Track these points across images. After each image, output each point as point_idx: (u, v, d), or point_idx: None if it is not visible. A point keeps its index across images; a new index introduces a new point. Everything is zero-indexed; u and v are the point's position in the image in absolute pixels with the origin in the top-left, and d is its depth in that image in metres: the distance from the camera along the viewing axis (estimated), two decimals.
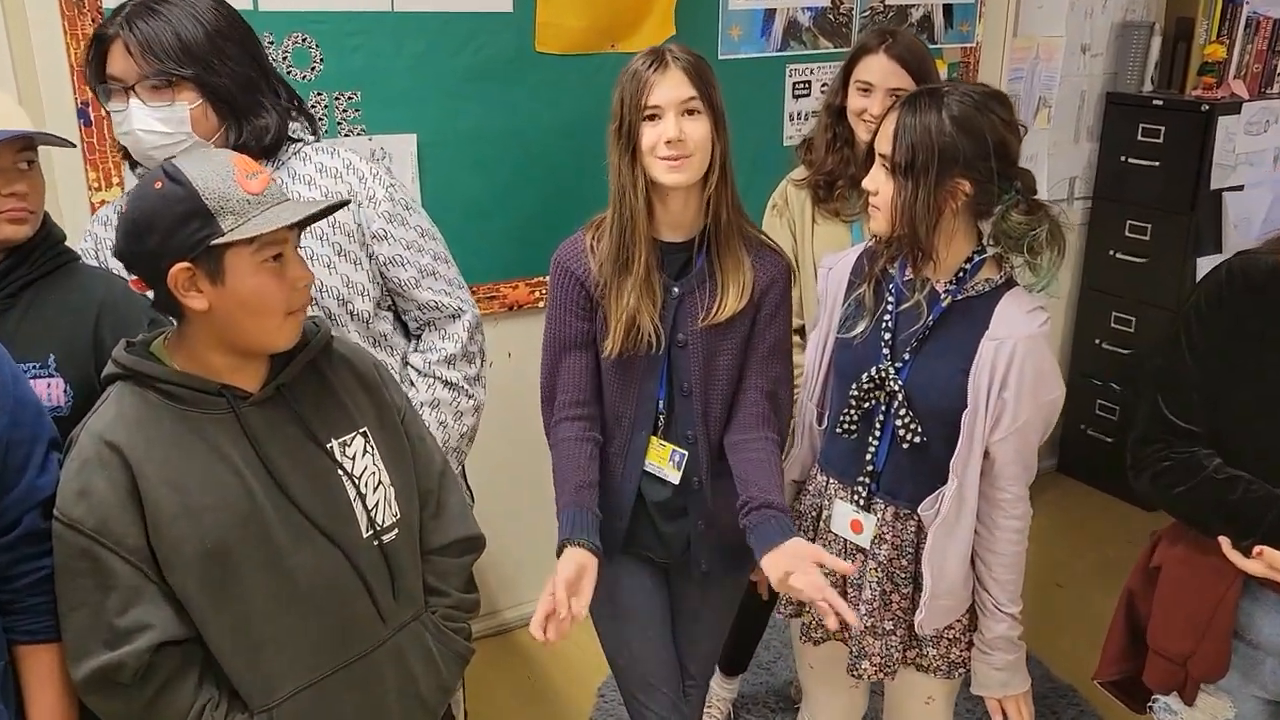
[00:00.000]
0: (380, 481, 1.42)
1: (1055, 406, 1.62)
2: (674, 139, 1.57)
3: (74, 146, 1.60)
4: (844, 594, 1.73)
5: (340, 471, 1.38)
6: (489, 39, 2.47)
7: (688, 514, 1.77)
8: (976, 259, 1.63)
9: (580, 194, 2.63)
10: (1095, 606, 2.87)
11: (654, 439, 1.74)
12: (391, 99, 2.40)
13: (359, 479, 1.39)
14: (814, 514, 1.79)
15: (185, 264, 1.25)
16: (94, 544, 1.24)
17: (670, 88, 1.59)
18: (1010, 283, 1.64)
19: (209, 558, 1.27)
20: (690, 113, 1.59)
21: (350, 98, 2.36)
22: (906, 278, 1.65)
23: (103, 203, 2.15)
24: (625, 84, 1.63)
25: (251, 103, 1.65)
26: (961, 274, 1.63)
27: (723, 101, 1.64)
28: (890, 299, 1.67)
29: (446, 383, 1.80)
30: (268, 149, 1.67)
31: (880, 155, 1.60)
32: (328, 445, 1.37)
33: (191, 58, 1.58)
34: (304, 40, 2.27)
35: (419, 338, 1.84)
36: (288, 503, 1.32)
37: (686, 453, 1.73)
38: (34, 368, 1.45)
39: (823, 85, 2.84)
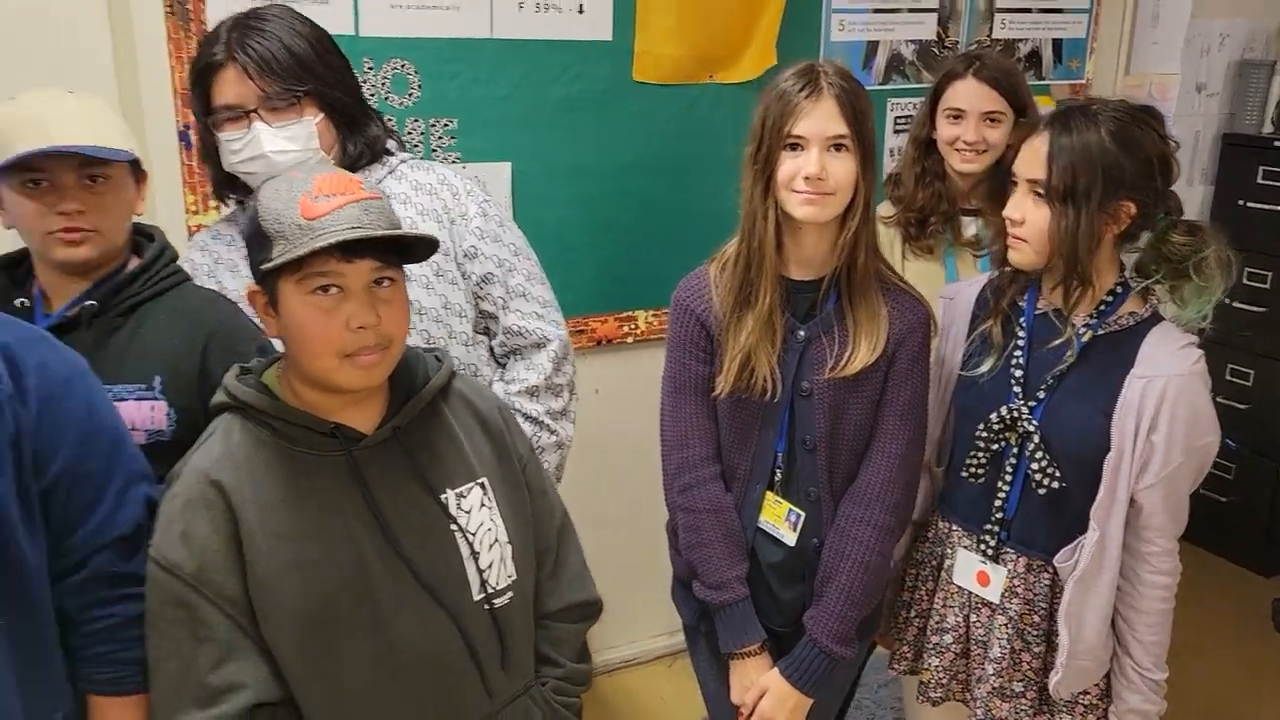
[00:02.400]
0: (496, 539, 1.30)
1: (1210, 452, 1.48)
2: (814, 175, 1.44)
3: (130, 160, 1.46)
4: (968, 651, 1.60)
5: (454, 526, 1.26)
6: (587, 68, 2.43)
7: (805, 579, 1.61)
8: (1121, 291, 1.51)
9: (674, 228, 2.58)
10: (1209, 675, 2.71)
11: (769, 494, 1.59)
12: (487, 127, 2.36)
13: (474, 535, 1.27)
14: (934, 563, 1.66)
15: (256, 288, 1.21)
16: (191, 592, 1.16)
17: (819, 119, 1.44)
18: (1156, 316, 1.51)
19: (310, 619, 1.17)
20: (838, 148, 1.45)
21: (446, 124, 2.32)
22: (1038, 311, 1.54)
23: (199, 226, 2.13)
24: (770, 103, 1.47)
25: (361, 113, 1.63)
26: (1104, 306, 1.50)
27: (874, 135, 1.51)
28: (1021, 334, 1.55)
29: (526, 416, 1.69)
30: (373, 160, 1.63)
31: (1028, 181, 1.48)
32: (442, 496, 1.26)
33: (308, 72, 1.56)
34: (403, 66, 2.25)
35: (504, 366, 1.76)
36: (398, 561, 1.21)
37: (804, 512, 1.58)
38: (139, 389, 1.40)
39: None
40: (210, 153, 1.63)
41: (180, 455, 1.37)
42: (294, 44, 1.55)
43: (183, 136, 2.14)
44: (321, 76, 1.57)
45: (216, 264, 1.67)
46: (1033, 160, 1.47)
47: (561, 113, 2.43)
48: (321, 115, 1.57)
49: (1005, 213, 1.51)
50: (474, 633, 1.26)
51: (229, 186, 1.67)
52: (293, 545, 1.17)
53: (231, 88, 1.54)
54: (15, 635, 1.12)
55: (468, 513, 1.28)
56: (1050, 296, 1.54)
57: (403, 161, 1.69)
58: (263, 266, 1.16)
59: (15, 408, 1.11)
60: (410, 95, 2.27)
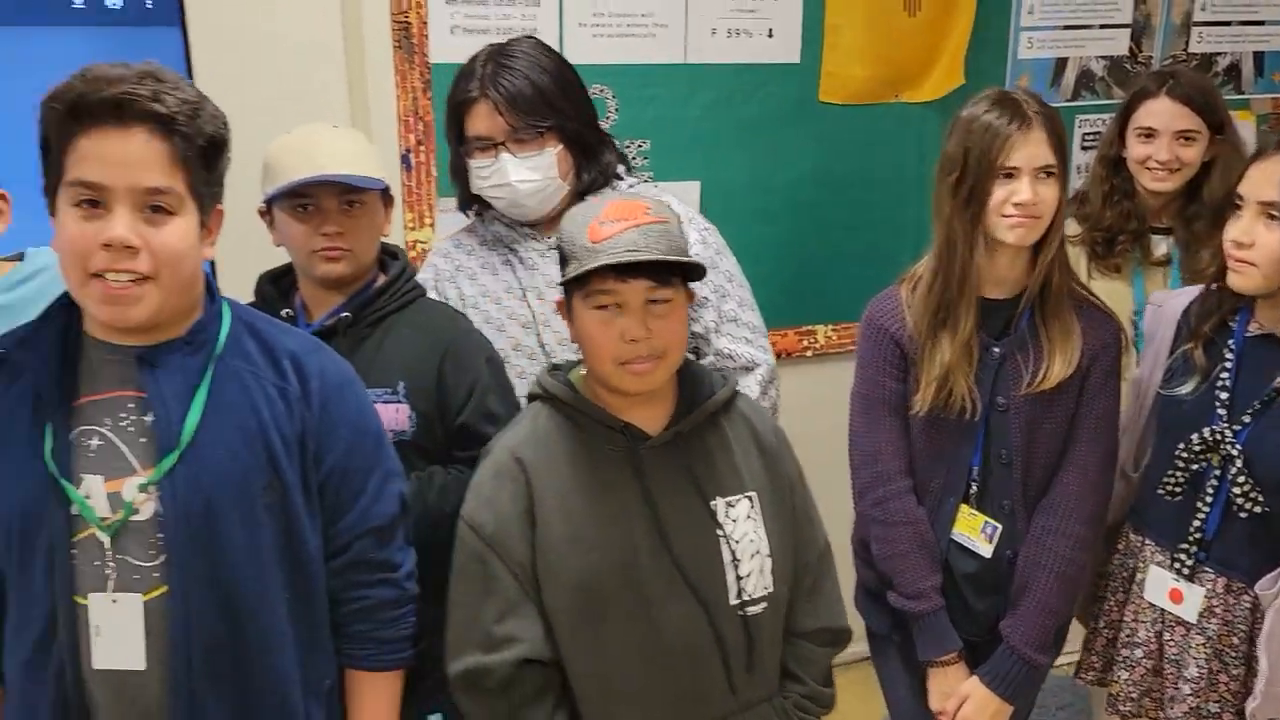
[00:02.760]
0: (758, 550, 1.38)
1: None
2: (1027, 202, 1.51)
3: (382, 188, 1.62)
4: (1159, 669, 1.61)
5: (720, 532, 1.35)
6: (775, 89, 2.51)
7: (998, 590, 1.66)
8: None
9: (853, 244, 2.64)
10: None
11: (964, 507, 1.65)
12: (679, 148, 2.48)
13: (737, 544, 1.36)
14: (1125, 575, 1.67)
15: (560, 299, 1.36)
16: (488, 550, 1.32)
17: (1030, 150, 1.51)
18: None
19: (582, 592, 1.30)
20: (1046, 174, 1.52)
21: (640, 146, 2.45)
22: (1250, 334, 1.53)
23: (416, 242, 2.33)
24: (975, 136, 1.53)
25: (597, 141, 1.75)
26: None
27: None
28: (1229, 356, 1.54)
29: None
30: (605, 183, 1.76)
31: (1260, 204, 1.47)
32: (712, 503, 1.35)
33: (551, 108, 1.69)
34: (602, 91, 2.38)
35: None
36: (665, 554, 1.32)
37: (1001, 525, 1.63)
38: (385, 393, 1.55)
39: None
40: (459, 172, 1.78)
41: (418, 454, 1.54)
42: (540, 80, 1.69)
43: (404, 159, 2.33)
44: (563, 111, 1.70)
45: (457, 271, 1.82)
46: (1264, 182, 1.46)
47: (749, 133, 2.52)
48: (561, 146, 1.70)
49: (1230, 236, 1.51)
50: (726, 633, 1.34)
51: (474, 201, 1.81)
52: (575, 523, 1.31)
53: (483, 121, 1.69)
54: (298, 608, 1.28)
55: (734, 521, 1.36)
56: (1264, 319, 1.53)
57: (630, 185, 1.81)
58: (558, 282, 1.34)
59: (301, 408, 1.27)
60: (608, 118, 2.40)
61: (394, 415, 1.56)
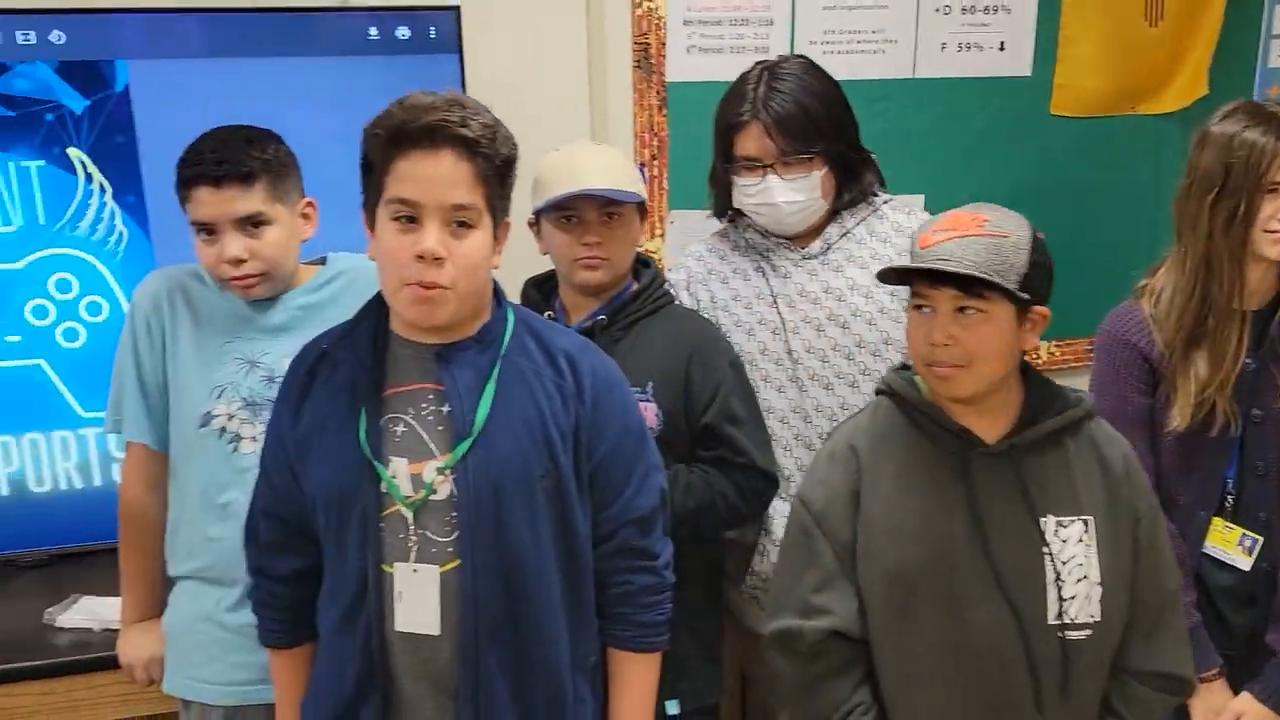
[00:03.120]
0: (1086, 576, 1.36)
1: None
2: None
3: (638, 201, 1.71)
4: None
5: (1045, 549, 1.36)
6: (1004, 102, 2.51)
7: (1255, 603, 1.64)
8: None
9: (1079, 259, 2.57)
10: None
11: (1217, 520, 1.63)
12: (905, 161, 2.48)
13: (1063, 564, 1.35)
14: None
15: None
16: (813, 525, 1.42)
17: None
18: None
19: (895, 579, 1.37)
20: None
21: None
22: None
23: (647, 251, 2.45)
24: (1237, 152, 1.53)
25: (858, 161, 1.81)
26: None
27: None
28: None
29: None
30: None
31: None
32: (1042, 519, 1.36)
33: (819, 132, 1.74)
34: None
35: None
36: (983, 557, 1.35)
37: (1260, 538, 1.61)
38: (635, 392, 1.64)
39: None
40: (721, 183, 1.85)
41: (664, 452, 1.62)
42: (809, 104, 1.74)
43: (639, 170, 2.47)
44: (830, 135, 1.76)
45: (709, 274, 1.89)
46: None
47: (976, 146, 2.52)
48: (826, 168, 1.77)
49: None
50: (1039, 650, 1.35)
51: (729, 207, 1.87)
52: (896, 512, 1.38)
53: (753, 143, 1.74)
54: (568, 587, 1.39)
55: (1063, 542, 1.36)
56: None
57: (885, 202, 1.86)
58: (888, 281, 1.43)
59: (575, 403, 1.38)
60: None
61: (643, 413, 1.66)
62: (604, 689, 1.47)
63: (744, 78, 1.78)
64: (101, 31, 1.93)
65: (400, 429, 1.35)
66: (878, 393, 1.47)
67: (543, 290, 1.80)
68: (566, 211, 1.66)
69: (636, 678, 1.46)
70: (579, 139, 1.76)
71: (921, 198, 2.53)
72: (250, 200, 1.56)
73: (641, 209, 1.73)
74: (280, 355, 1.62)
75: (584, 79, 2.41)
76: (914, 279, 1.35)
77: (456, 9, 2.06)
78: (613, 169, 1.69)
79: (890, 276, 1.38)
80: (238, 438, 1.63)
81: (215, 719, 1.68)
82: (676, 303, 1.81)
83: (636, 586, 1.44)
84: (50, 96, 1.91)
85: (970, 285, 1.30)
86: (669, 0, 2.39)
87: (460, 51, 2.07)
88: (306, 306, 1.67)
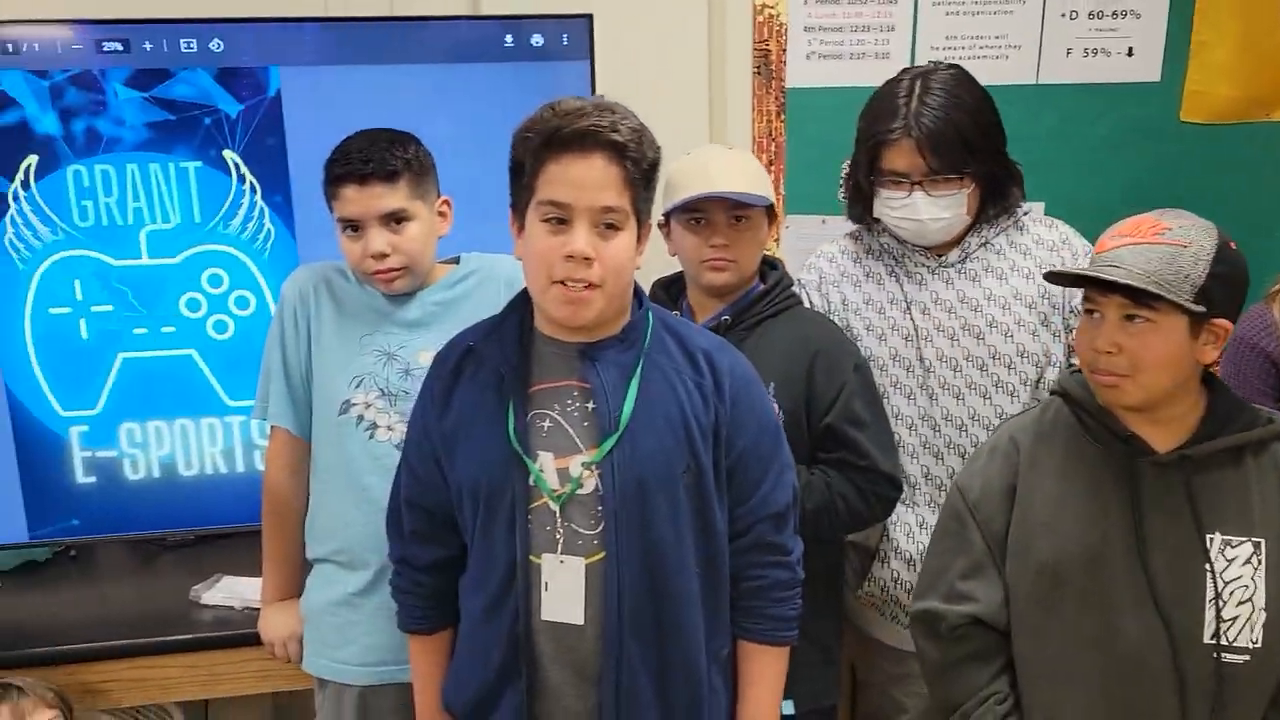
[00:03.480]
0: (1250, 600, 1.33)
1: None
2: None
3: (767, 205, 1.73)
4: None
5: (1207, 566, 1.33)
6: (1130, 109, 2.47)
7: None
8: None
9: None
10: None
11: None
12: (1024, 168, 2.46)
13: (1226, 584, 1.33)
14: None
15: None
16: (967, 513, 1.45)
17: None
18: None
19: (1043, 574, 1.38)
20: None
21: None
22: None
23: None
24: None
25: (1005, 176, 1.80)
26: None
27: None
28: None
29: None
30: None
31: None
32: (1208, 535, 1.34)
33: (971, 153, 1.72)
34: None
35: None
36: (1139, 565, 1.34)
37: None
38: None
39: None
40: (860, 189, 1.84)
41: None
42: (963, 123, 1.71)
43: None
44: (981, 154, 1.74)
45: (841, 276, 1.91)
46: None
47: (1098, 154, 2.48)
48: (974, 186, 1.76)
49: None
50: (1190, 668, 1.33)
51: (867, 214, 1.86)
52: (1051, 509, 1.39)
53: (903, 159, 1.73)
54: (706, 580, 1.42)
55: (1229, 561, 1.33)
56: None
57: (1026, 213, 1.85)
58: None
59: (715, 400, 1.41)
60: None
61: None
62: (734, 681, 1.50)
63: (894, 88, 1.76)
64: (257, 40, 2.03)
65: (547, 424, 1.39)
66: (1051, 393, 1.47)
67: (670, 292, 1.83)
68: (696, 213, 1.69)
69: (767, 670, 1.48)
70: (712, 144, 1.79)
71: (1041, 205, 2.50)
72: (394, 197, 1.64)
73: (770, 213, 1.75)
74: (416, 349, 1.70)
75: (704, 85, 2.45)
76: (1085, 284, 1.35)
77: (589, 17, 2.12)
78: (743, 173, 1.72)
79: (1062, 279, 1.38)
80: (374, 426, 1.70)
81: (350, 698, 1.76)
82: (803, 305, 1.82)
83: (770, 581, 1.46)
84: (208, 101, 2.02)
85: (1138, 294, 1.29)
86: (790, 7, 2.41)
87: (592, 58, 2.12)
88: (441, 303, 1.74)
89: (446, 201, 1.75)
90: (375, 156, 1.63)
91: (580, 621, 1.37)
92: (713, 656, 1.44)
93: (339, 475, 1.73)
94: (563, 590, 1.37)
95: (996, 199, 1.79)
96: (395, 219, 1.65)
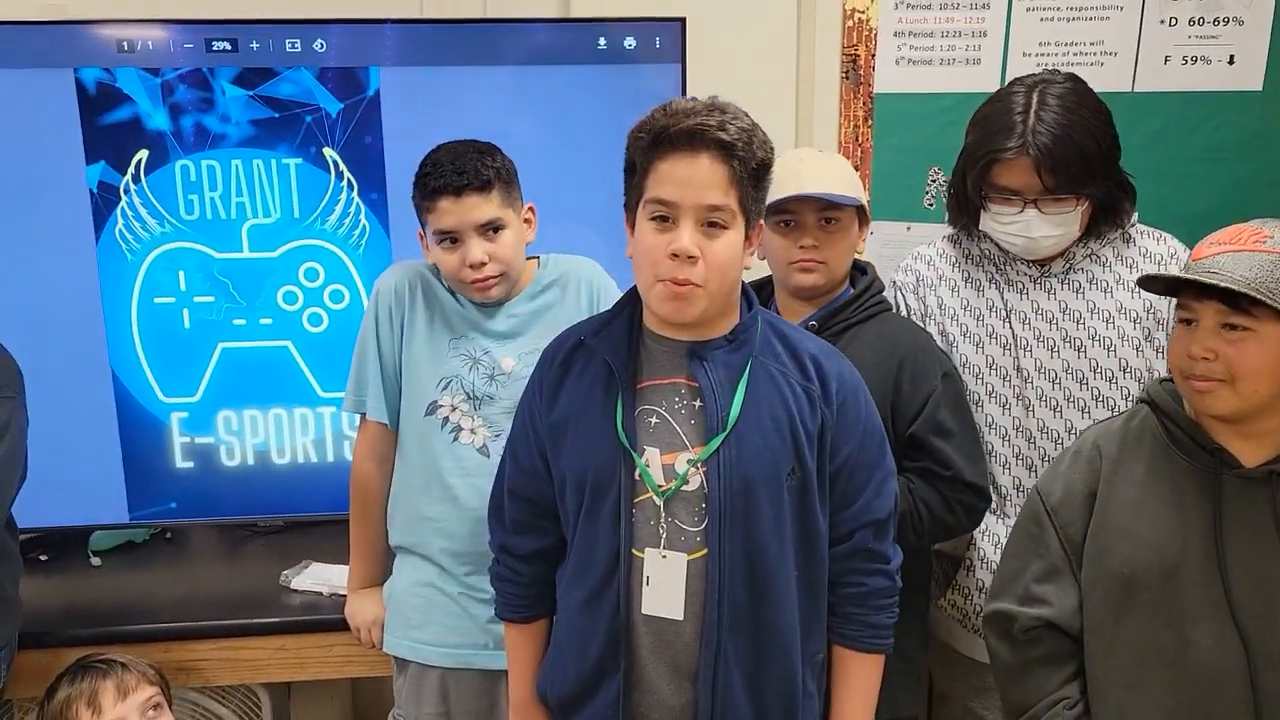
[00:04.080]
0: None
1: None
2: None
3: (857, 206, 1.72)
4: None
5: None
6: (1230, 118, 2.40)
7: None
8: None
9: None
10: None
11: None
12: None
13: None
14: None
15: None
16: (1045, 516, 1.45)
17: None
18: None
19: (1117, 581, 1.38)
20: None
21: None
22: None
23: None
24: None
25: (1119, 193, 1.76)
26: None
27: None
28: None
29: None
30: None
31: None
32: None
33: (1090, 174, 1.68)
34: None
35: None
36: (1217, 578, 1.33)
37: None
38: None
39: None
40: (963, 199, 1.80)
41: None
42: (1085, 143, 1.66)
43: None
44: (1099, 174, 1.70)
45: (939, 280, 1.89)
46: None
47: (1196, 164, 2.42)
48: (1088, 204, 1.72)
49: None
50: (1266, 685, 1.32)
51: (973, 224, 1.81)
52: (1131, 516, 1.38)
53: (1019, 177, 1.68)
54: (805, 584, 1.42)
55: None
56: None
57: (1132, 225, 1.82)
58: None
59: (821, 405, 1.41)
60: None
61: None
62: (827, 686, 1.50)
63: (1009, 101, 1.71)
64: (358, 40, 2.09)
65: (654, 420, 1.41)
66: (1139, 401, 1.46)
67: (759, 296, 1.83)
68: (786, 215, 1.69)
69: (864, 676, 1.48)
70: (803, 147, 1.79)
71: (1135, 216, 2.45)
72: (489, 207, 1.68)
73: (862, 215, 1.74)
74: (500, 356, 1.75)
75: (792, 89, 2.46)
76: (1181, 290, 1.33)
77: (683, 21, 2.13)
78: (834, 175, 1.71)
79: (1157, 285, 1.36)
80: (458, 429, 1.75)
81: (430, 680, 1.80)
82: (892, 310, 1.81)
83: (870, 588, 1.46)
84: (310, 100, 2.08)
85: (1236, 300, 1.27)
86: (881, 11, 2.40)
87: (684, 61, 2.13)
88: (526, 314, 1.78)
89: (531, 208, 1.79)
90: (468, 168, 1.67)
91: (680, 617, 1.38)
92: (808, 660, 1.45)
93: (422, 473, 1.78)
94: (664, 585, 1.39)
95: (1109, 215, 1.76)
96: (491, 228, 1.70)
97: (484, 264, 1.69)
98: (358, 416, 1.84)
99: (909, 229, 2.47)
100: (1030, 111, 1.67)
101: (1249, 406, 1.32)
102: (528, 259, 1.82)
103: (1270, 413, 1.34)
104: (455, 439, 1.75)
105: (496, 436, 1.74)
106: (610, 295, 1.77)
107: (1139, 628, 1.36)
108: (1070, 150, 1.65)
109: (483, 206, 1.68)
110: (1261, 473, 1.33)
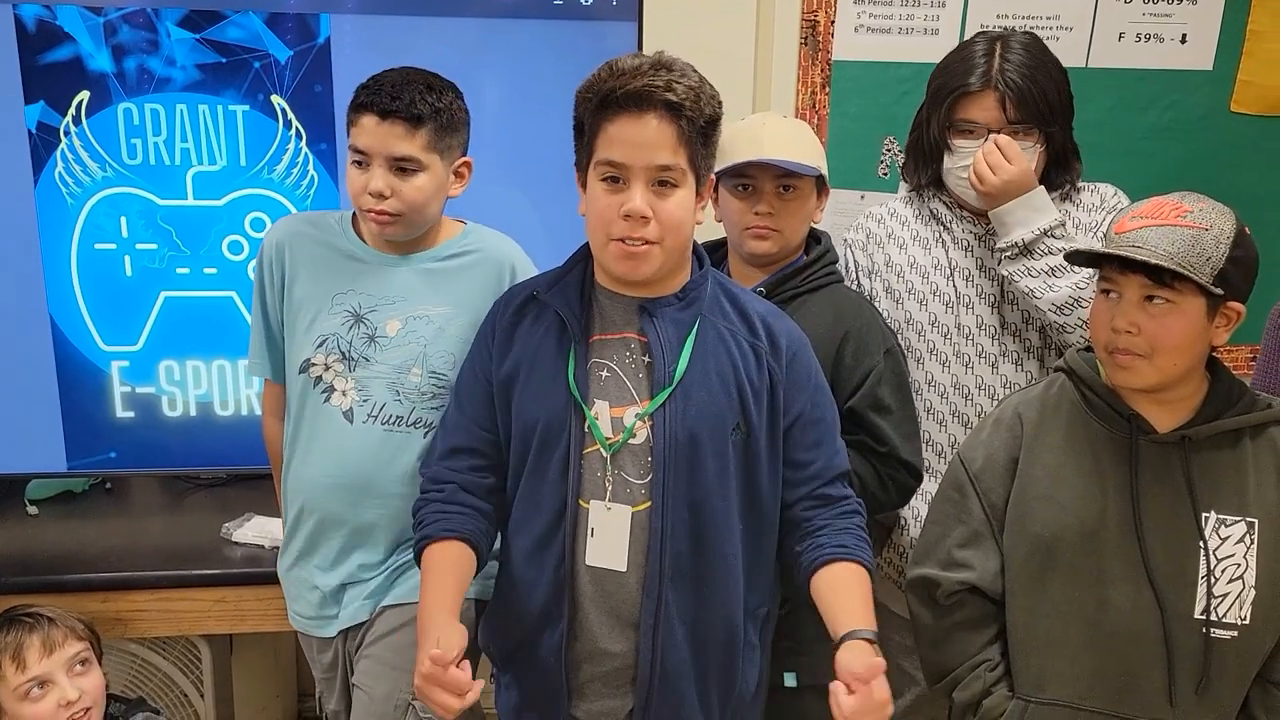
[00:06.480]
0: (1241, 578, 1.36)
1: None
2: None
3: (816, 175, 1.71)
4: None
5: (1201, 543, 1.36)
6: (1181, 97, 2.43)
7: None
8: None
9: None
10: None
11: None
12: None
13: (1218, 561, 1.36)
14: None
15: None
16: (968, 483, 1.47)
17: None
18: None
19: (1039, 544, 1.41)
20: None
21: None
22: None
23: None
24: None
25: (1070, 149, 1.81)
26: None
27: None
28: None
29: None
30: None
31: None
32: (1203, 515, 1.36)
33: (1051, 113, 1.73)
34: None
35: None
36: (1134, 540, 1.37)
37: None
38: None
39: None
40: (923, 149, 1.83)
41: None
42: (1046, 83, 1.73)
43: None
44: (1059, 118, 1.76)
45: (888, 238, 1.90)
46: None
47: (1147, 141, 2.45)
48: (1042, 149, 1.75)
49: None
50: (1178, 641, 1.36)
51: (926, 173, 1.84)
52: (1050, 482, 1.41)
53: (982, 111, 1.73)
54: (749, 540, 1.44)
55: (1223, 540, 1.36)
56: None
57: (1081, 190, 1.85)
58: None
59: (770, 362, 1.43)
60: None
61: None
62: (771, 639, 1.53)
63: (970, 47, 1.77)
64: None
65: (605, 374, 1.42)
66: (1055, 369, 1.49)
67: (712, 258, 1.83)
68: (744, 179, 1.69)
69: (855, 580, 1.40)
70: (767, 111, 1.79)
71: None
72: (409, 144, 1.56)
73: (821, 184, 1.74)
74: (386, 317, 1.65)
75: (750, 53, 2.45)
76: (1104, 264, 1.35)
77: None
78: (795, 142, 1.71)
79: (1080, 259, 1.38)
80: (330, 389, 1.67)
81: (310, 644, 1.82)
82: (842, 283, 1.82)
83: (845, 524, 1.45)
84: (259, 45, 2.03)
85: (1160, 275, 1.30)
86: None
87: (640, 20, 2.11)
88: (428, 273, 1.68)
89: (467, 163, 1.68)
90: (405, 96, 1.56)
91: (623, 569, 1.40)
92: (750, 613, 1.47)
93: (298, 432, 1.72)
94: (608, 537, 1.40)
95: (1060, 172, 1.80)
96: (404, 166, 1.58)
97: (385, 198, 1.57)
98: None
99: (863, 197, 2.48)
100: (995, 55, 1.73)
101: (1166, 380, 1.35)
102: (455, 221, 1.74)
103: (1183, 382, 1.37)
104: (326, 400, 1.67)
105: (364, 401, 1.66)
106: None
107: (1060, 590, 1.39)
108: (1034, 87, 1.71)
109: (404, 142, 1.56)
110: (1174, 437, 1.37)
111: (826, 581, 1.40)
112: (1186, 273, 1.28)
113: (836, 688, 1.25)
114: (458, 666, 1.25)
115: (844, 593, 1.38)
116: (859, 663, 1.25)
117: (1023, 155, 1.71)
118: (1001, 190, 1.71)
